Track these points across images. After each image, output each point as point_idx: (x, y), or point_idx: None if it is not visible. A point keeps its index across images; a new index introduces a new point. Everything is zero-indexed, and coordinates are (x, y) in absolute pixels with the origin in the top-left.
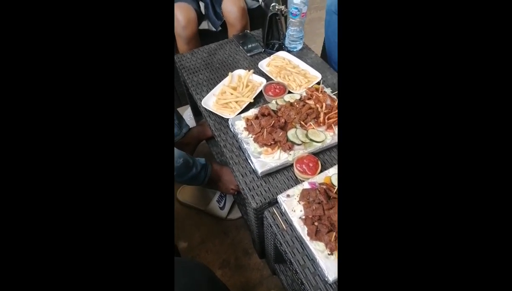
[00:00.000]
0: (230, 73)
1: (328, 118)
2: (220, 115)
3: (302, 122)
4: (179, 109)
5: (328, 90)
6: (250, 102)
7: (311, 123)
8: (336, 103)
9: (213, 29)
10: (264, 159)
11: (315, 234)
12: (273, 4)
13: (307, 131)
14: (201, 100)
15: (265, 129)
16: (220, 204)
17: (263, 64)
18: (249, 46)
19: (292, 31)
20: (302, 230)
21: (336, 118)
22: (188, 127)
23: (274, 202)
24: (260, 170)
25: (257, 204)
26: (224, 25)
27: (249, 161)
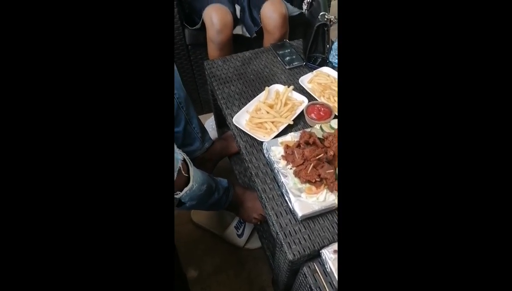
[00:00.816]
0: (266, 88)
1: None
2: (253, 137)
3: None
4: (201, 117)
5: None
6: (289, 124)
7: None
8: None
9: (247, 35)
10: (306, 199)
11: None
12: (322, 13)
13: None
14: (231, 116)
15: (310, 163)
16: (238, 231)
17: (305, 80)
18: (289, 57)
19: None
20: None
21: None
22: (211, 142)
23: (316, 255)
24: (300, 213)
25: (294, 255)
26: (259, 31)
27: (287, 199)
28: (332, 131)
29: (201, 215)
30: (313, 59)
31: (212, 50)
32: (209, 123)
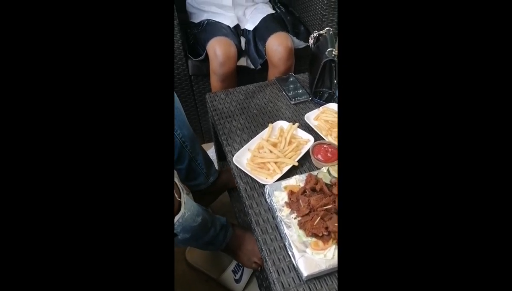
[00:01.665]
0: (270, 125)
1: None
2: (254, 178)
3: None
4: (204, 146)
5: None
6: (293, 166)
7: None
8: None
9: (252, 67)
10: (312, 256)
11: None
12: (329, 49)
13: None
14: (232, 154)
15: (317, 213)
16: (236, 275)
17: (311, 117)
18: (294, 92)
19: None
20: None
21: None
22: (216, 175)
23: None
24: (305, 272)
25: None
26: (263, 63)
27: (290, 254)
28: None
29: (196, 255)
30: (320, 94)
31: (215, 81)
32: (210, 153)
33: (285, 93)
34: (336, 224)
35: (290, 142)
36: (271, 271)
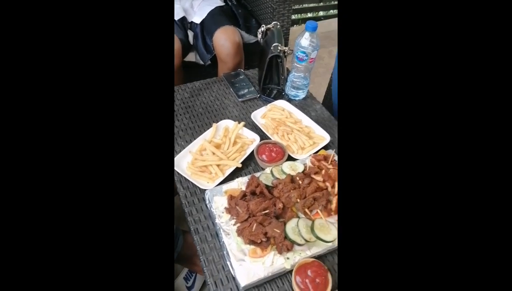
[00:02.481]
0: (214, 124)
1: None
2: (194, 183)
3: (307, 210)
4: None
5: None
6: (237, 167)
7: (318, 211)
8: None
9: (201, 62)
10: (250, 264)
11: None
12: (274, 44)
13: (312, 222)
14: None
15: (255, 219)
16: (188, 283)
17: (257, 115)
18: (242, 89)
19: (295, 77)
20: None
21: None
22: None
23: None
24: (243, 282)
25: None
26: (213, 58)
27: (228, 263)
28: (283, 176)
29: None
30: (268, 91)
31: None
32: None
33: (233, 90)
34: (276, 229)
35: (234, 143)
36: (209, 283)
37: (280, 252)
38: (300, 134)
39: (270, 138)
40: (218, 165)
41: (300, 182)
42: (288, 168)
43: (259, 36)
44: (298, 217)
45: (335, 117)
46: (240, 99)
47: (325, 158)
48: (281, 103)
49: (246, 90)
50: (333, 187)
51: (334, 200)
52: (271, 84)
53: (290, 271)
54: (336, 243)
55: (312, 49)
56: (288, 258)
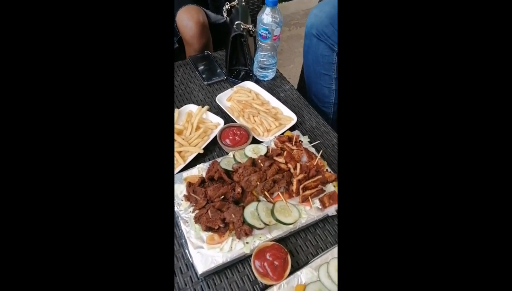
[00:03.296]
0: (176, 110)
1: (304, 188)
2: None
3: (266, 193)
4: None
5: (305, 140)
6: (199, 153)
7: (279, 193)
8: (315, 162)
9: None
10: (207, 251)
11: None
12: (237, 22)
13: (273, 205)
14: None
15: (213, 205)
16: None
17: (223, 98)
18: (209, 72)
19: (262, 57)
20: None
21: (316, 189)
22: None
23: None
24: (200, 269)
25: None
26: (179, 40)
27: (186, 252)
28: (245, 159)
29: None
30: (235, 73)
31: None
32: None
33: (199, 73)
34: (233, 214)
35: (197, 128)
36: None
37: (239, 237)
38: (267, 116)
39: (236, 122)
40: (179, 152)
41: (262, 164)
42: (251, 151)
43: (224, 14)
44: (259, 201)
45: (305, 98)
46: (206, 83)
47: (290, 139)
48: (248, 84)
49: (213, 73)
50: (295, 168)
51: (294, 182)
52: (238, 66)
53: (251, 256)
54: (297, 225)
55: (276, 25)
56: (247, 243)
